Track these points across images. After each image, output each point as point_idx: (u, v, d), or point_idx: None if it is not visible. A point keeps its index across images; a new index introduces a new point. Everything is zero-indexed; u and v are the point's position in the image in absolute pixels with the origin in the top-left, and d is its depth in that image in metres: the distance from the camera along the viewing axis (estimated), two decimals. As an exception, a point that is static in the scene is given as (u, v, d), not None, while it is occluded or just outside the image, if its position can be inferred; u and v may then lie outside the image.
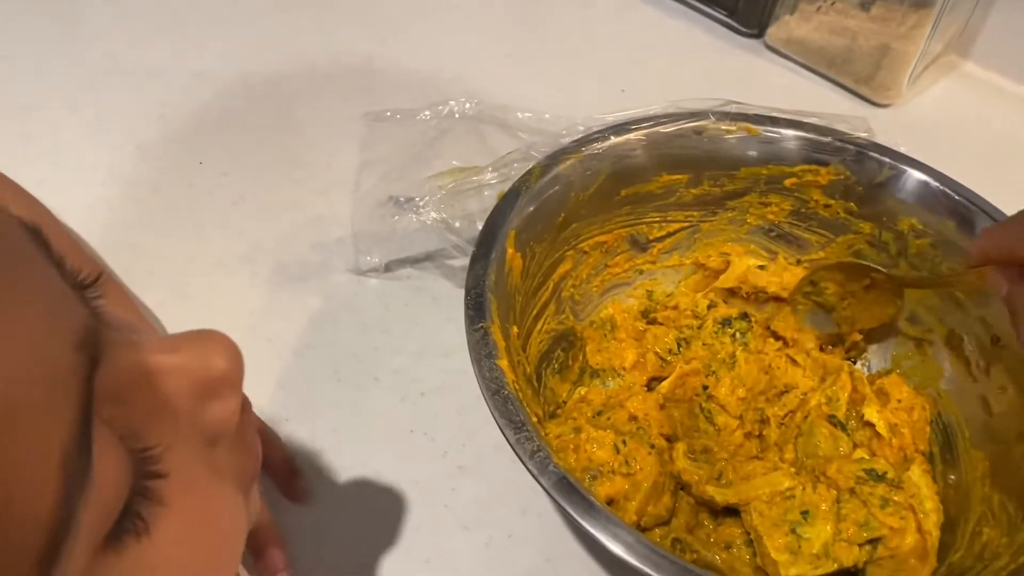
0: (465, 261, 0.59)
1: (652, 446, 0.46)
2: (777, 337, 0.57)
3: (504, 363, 0.41)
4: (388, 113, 0.71)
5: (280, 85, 0.78)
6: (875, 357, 0.58)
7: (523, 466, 0.38)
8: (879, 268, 0.53)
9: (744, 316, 0.56)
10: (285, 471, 0.51)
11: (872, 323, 0.55)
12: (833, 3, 0.80)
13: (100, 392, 0.20)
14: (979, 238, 0.43)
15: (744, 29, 0.87)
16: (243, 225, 0.66)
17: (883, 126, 0.77)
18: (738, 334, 0.55)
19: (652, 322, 0.58)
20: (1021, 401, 0.48)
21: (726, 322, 0.55)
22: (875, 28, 0.78)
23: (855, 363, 0.58)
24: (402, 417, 0.55)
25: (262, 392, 0.55)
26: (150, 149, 0.72)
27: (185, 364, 0.26)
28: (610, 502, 0.45)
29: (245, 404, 0.29)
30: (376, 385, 0.57)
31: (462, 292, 0.45)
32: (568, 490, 0.37)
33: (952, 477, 0.51)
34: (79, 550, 0.19)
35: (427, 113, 0.72)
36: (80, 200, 0.66)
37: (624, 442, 0.46)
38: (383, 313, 0.60)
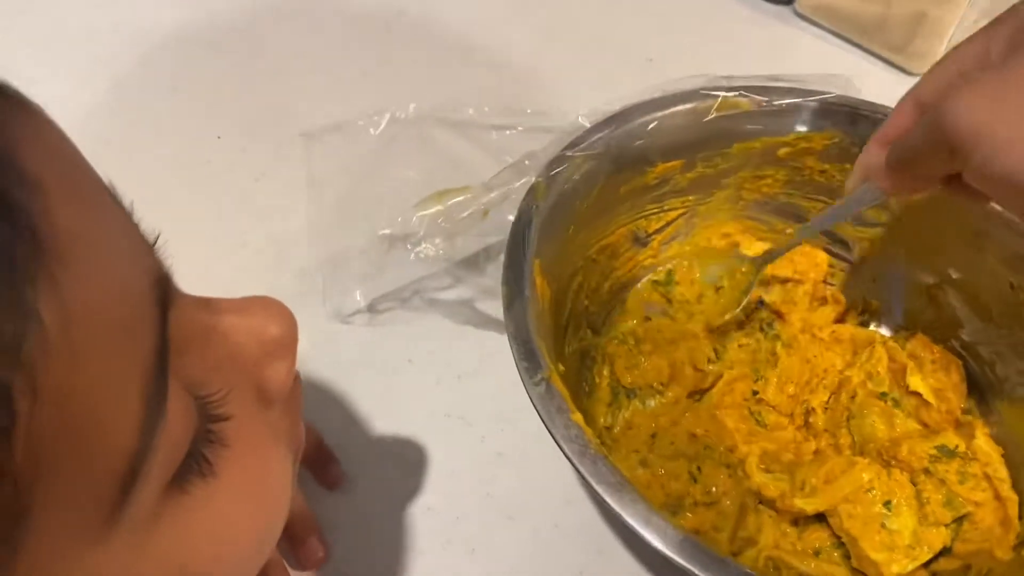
0: (457, 291, 0.56)
1: (727, 466, 0.44)
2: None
3: (579, 417, 0.37)
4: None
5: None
6: (885, 315, 0.57)
7: (628, 525, 0.35)
8: None
9: (769, 325, 0.53)
10: (320, 457, 0.48)
11: None
12: (866, -31, 0.78)
13: (171, 338, 0.21)
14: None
15: None
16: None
17: None
18: (766, 327, 0.52)
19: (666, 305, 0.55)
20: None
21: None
22: None
23: (869, 326, 0.57)
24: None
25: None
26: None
27: (251, 325, 0.28)
28: (696, 534, 0.42)
29: (296, 374, 0.30)
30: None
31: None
32: (697, 553, 0.34)
33: (994, 430, 0.50)
34: (152, 483, 0.21)
35: (368, 122, 0.66)
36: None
37: (699, 468, 0.43)
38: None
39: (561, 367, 0.43)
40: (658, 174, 0.53)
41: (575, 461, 0.36)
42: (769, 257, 0.53)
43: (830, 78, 0.56)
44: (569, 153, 0.49)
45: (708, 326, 0.52)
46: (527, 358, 0.39)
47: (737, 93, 0.53)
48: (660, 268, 0.57)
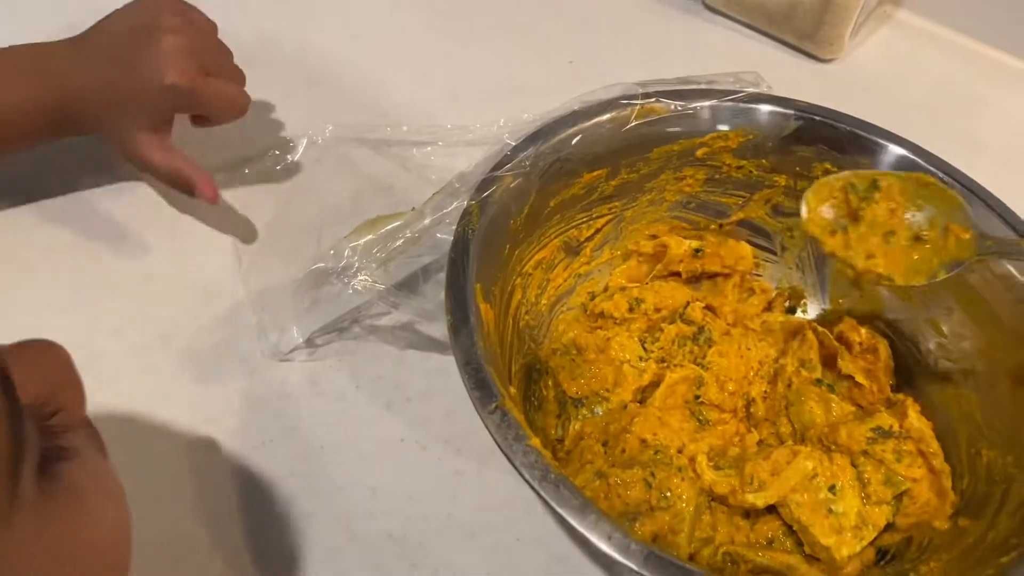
0: (396, 315, 0.56)
1: (679, 469, 0.45)
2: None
3: (536, 442, 0.38)
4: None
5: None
6: (811, 301, 0.59)
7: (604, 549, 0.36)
8: (971, 218, 0.47)
9: (699, 332, 0.54)
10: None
11: (888, 272, 0.48)
12: (772, -39, 0.79)
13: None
14: None
15: None
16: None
17: (829, 81, 0.79)
18: (701, 339, 0.53)
19: (599, 316, 0.56)
20: (969, 319, 0.51)
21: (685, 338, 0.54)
22: None
23: (795, 312, 0.59)
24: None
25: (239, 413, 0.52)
26: None
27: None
28: (654, 541, 0.43)
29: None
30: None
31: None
32: (664, 565, 0.35)
33: (921, 405, 0.53)
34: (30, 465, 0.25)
35: (287, 149, 0.65)
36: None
37: (652, 474, 0.44)
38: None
39: (512, 389, 0.44)
40: (584, 184, 0.54)
41: (537, 487, 0.37)
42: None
43: (741, 75, 0.58)
44: (498, 173, 0.49)
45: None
46: (479, 387, 0.40)
47: (654, 99, 0.54)
48: (593, 276, 0.58)
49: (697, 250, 0.58)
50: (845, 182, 0.48)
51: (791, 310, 0.59)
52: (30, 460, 0.25)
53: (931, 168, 0.52)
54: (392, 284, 0.52)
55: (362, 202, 0.63)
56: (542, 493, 0.37)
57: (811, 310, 0.59)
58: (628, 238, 0.58)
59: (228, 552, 0.46)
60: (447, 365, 0.41)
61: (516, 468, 0.37)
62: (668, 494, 0.44)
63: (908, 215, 0.47)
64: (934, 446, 0.47)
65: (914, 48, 0.85)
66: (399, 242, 0.49)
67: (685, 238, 0.59)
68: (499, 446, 0.38)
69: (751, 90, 0.55)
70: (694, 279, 0.59)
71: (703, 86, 0.56)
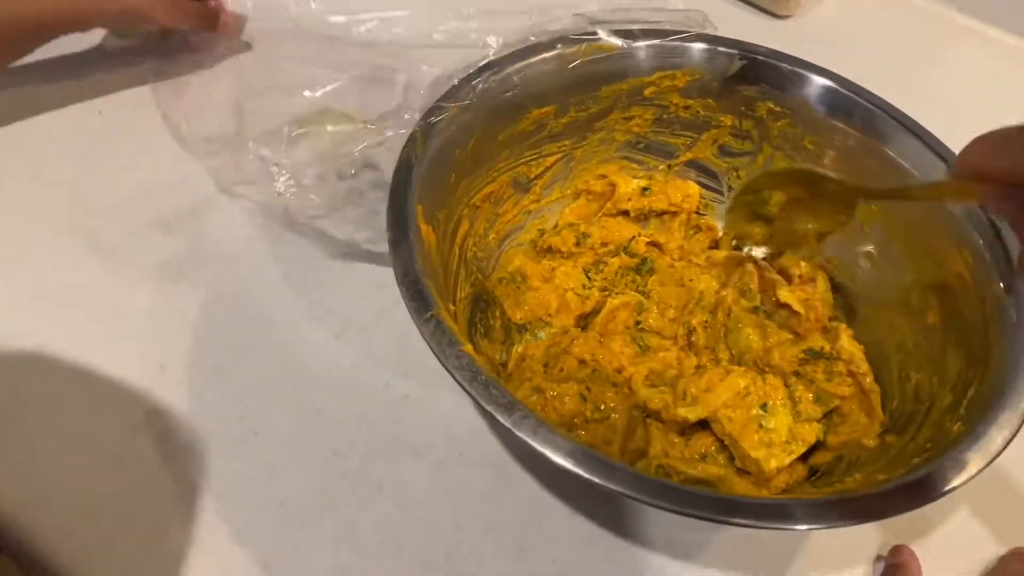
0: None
1: (614, 384, 0.46)
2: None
3: (469, 348, 0.39)
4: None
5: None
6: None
7: (524, 442, 0.37)
8: (831, 176, 0.51)
9: (642, 263, 0.56)
10: None
11: (814, 234, 0.52)
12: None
13: None
14: (968, 148, 0.39)
15: None
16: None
17: (787, 37, 0.79)
18: (644, 269, 0.55)
19: (547, 251, 0.57)
20: (902, 249, 0.53)
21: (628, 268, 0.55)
22: None
23: (741, 250, 0.60)
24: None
25: (190, 342, 0.53)
26: None
27: None
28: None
29: None
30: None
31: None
32: (587, 459, 0.36)
33: (858, 331, 0.54)
34: None
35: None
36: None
37: (588, 388, 0.46)
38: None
39: (452, 307, 0.45)
40: (533, 120, 0.55)
41: (467, 387, 0.38)
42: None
43: (689, 13, 0.59)
44: (444, 104, 0.50)
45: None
46: (416, 298, 0.41)
47: (602, 36, 0.55)
48: (543, 213, 0.59)
49: (645, 188, 0.59)
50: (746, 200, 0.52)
51: (737, 248, 0.60)
52: None
53: (860, 99, 0.53)
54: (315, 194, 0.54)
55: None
56: (472, 393, 0.38)
57: (757, 250, 0.60)
58: (578, 177, 0.60)
59: (174, 471, 0.47)
60: (398, 300, 0.42)
61: (449, 371, 0.39)
62: (602, 407, 0.45)
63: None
64: (864, 367, 0.49)
65: (871, 6, 0.87)
66: (341, 152, 0.50)
67: (635, 177, 0.60)
68: (433, 351, 0.39)
69: (696, 29, 0.56)
70: (642, 217, 0.60)
71: (649, 25, 0.57)
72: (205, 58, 0.66)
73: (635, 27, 0.57)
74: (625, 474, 0.36)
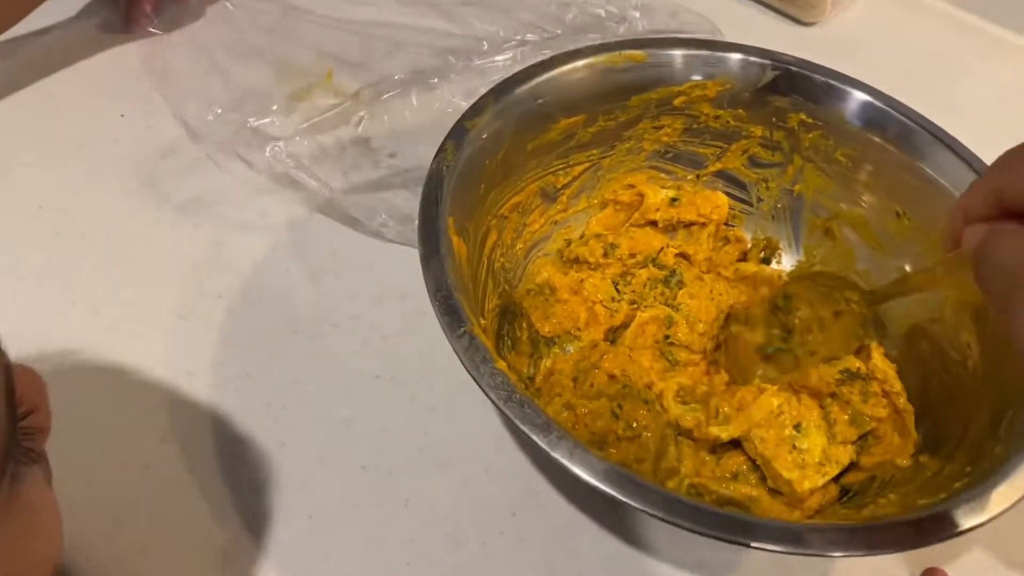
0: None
1: (645, 401, 0.46)
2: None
3: (503, 365, 0.39)
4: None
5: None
6: (786, 253, 0.60)
7: (558, 462, 0.36)
8: (858, 284, 0.49)
9: (671, 275, 0.55)
10: None
11: (831, 354, 0.49)
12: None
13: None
14: (948, 212, 0.36)
15: None
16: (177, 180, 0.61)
17: (811, 44, 0.79)
18: (672, 281, 0.54)
19: (573, 261, 0.57)
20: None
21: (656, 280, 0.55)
22: None
23: (770, 262, 0.60)
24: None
25: (216, 348, 0.53)
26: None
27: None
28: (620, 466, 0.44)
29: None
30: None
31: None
32: (621, 480, 0.35)
33: (891, 351, 0.54)
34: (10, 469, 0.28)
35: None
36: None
37: (620, 406, 0.45)
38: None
39: (483, 321, 0.45)
40: (562, 130, 0.54)
41: (501, 406, 0.38)
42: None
43: (698, 22, 0.58)
44: (476, 110, 0.50)
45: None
46: (448, 313, 0.41)
47: (632, 47, 0.55)
48: (569, 223, 0.58)
49: (673, 199, 0.58)
50: (767, 307, 0.50)
51: (766, 260, 0.60)
52: (11, 465, 0.28)
53: (896, 113, 0.52)
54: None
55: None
56: (507, 412, 0.37)
57: (786, 261, 0.60)
58: (605, 187, 0.59)
59: (202, 479, 0.47)
60: (424, 306, 0.42)
61: (482, 389, 0.38)
62: (634, 424, 0.45)
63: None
64: (898, 386, 0.48)
65: (898, 14, 0.86)
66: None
67: (662, 188, 0.59)
68: (466, 369, 0.39)
69: (711, 36, 0.56)
70: (670, 228, 0.59)
71: (670, 35, 0.57)
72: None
73: (665, 36, 0.56)
74: (661, 497, 0.36)
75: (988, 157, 0.66)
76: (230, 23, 0.64)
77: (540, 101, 0.53)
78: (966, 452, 0.43)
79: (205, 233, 0.58)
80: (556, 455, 0.36)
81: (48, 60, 0.67)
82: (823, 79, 0.55)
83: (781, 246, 0.60)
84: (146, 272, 0.56)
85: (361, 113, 0.54)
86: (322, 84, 0.58)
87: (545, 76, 0.53)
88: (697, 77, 0.56)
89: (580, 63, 0.54)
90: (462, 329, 0.40)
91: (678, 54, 0.56)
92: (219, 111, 0.56)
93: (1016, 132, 0.76)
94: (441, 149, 0.48)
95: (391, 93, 0.53)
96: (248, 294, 0.55)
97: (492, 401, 0.38)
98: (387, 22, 0.64)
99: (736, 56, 0.56)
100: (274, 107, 0.56)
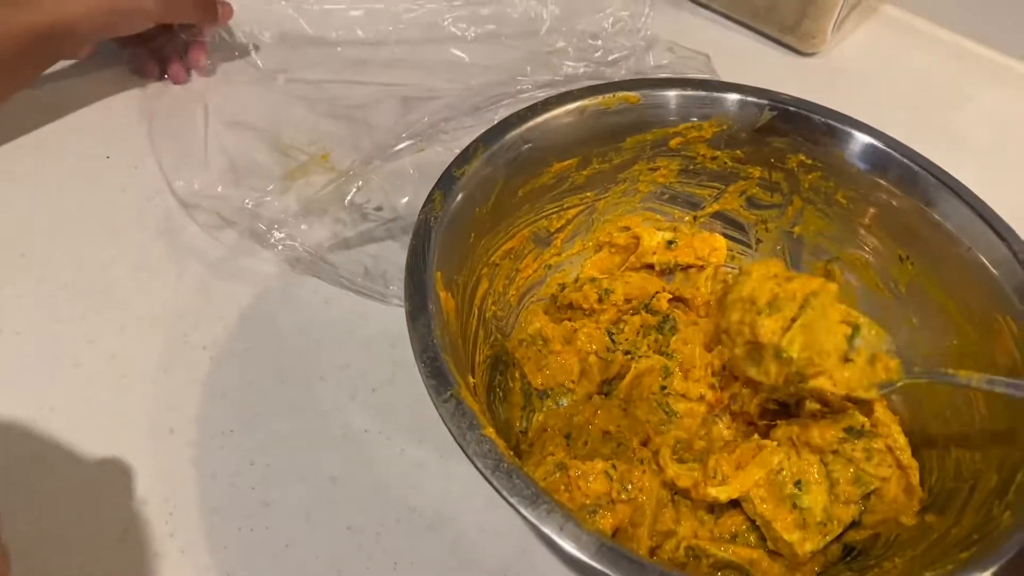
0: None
1: (641, 461, 0.44)
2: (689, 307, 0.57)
3: (490, 432, 0.37)
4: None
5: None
6: (786, 294, 0.58)
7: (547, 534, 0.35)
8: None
9: (664, 321, 0.54)
10: None
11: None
12: (755, -47, 0.79)
13: None
14: None
15: None
16: (163, 222, 0.60)
17: (812, 74, 0.78)
18: (665, 328, 0.53)
19: (567, 307, 0.55)
20: (944, 313, 0.50)
21: (650, 327, 0.54)
22: None
23: (770, 305, 0.58)
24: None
25: (200, 402, 0.51)
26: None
27: None
28: (615, 534, 0.42)
29: None
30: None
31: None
32: (614, 556, 0.34)
33: (893, 402, 0.52)
34: None
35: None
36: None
37: (614, 466, 0.43)
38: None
39: (472, 379, 0.43)
40: (554, 173, 0.53)
41: (489, 477, 0.36)
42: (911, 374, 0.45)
43: (693, 60, 0.57)
44: (466, 158, 0.48)
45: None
46: (434, 375, 0.39)
47: (626, 88, 0.53)
48: (563, 267, 0.57)
49: (670, 242, 0.57)
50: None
51: (766, 303, 0.58)
52: None
53: (899, 155, 0.51)
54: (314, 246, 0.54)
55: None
56: (494, 483, 0.36)
57: (785, 302, 0.58)
58: (600, 229, 0.58)
59: (183, 544, 0.45)
60: (413, 356, 0.41)
61: (469, 457, 0.37)
62: (629, 487, 0.43)
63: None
64: (901, 441, 0.47)
65: (898, 43, 0.85)
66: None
67: (659, 230, 0.58)
68: (452, 436, 0.37)
69: (699, 76, 0.55)
70: (668, 271, 0.58)
71: (659, 71, 0.55)
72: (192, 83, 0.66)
73: (660, 77, 0.55)
74: (657, 573, 0.34)
75: (991, 185, 0.65)
76: (232, 92, 0.64)
77: (531, 145, 0.51)
78: (973, 514, 0.42)
79: (191, 282, 0.56)
80: (546, 529, 0.35)
81: (37, 104, 0.66)
82: (822, 119, 0.54)
83: (780, 288, 0.58)
84: (130, 322, 0.54)
85: (357, 184, 0.53)
86: (317, 162, 0.57)
87: (536, 120, 0.51)
88: (693, 118, 0.55)
89: (572, 106, 0.52)
90: (448, 392, 0.38)
91: (673, 95, 0.54)
92: (218, 188, 0.55)
93: (1019, 160, 0.75)
94: (429, 199, 0.46)
95: (384, 159, 0.52)
96: (234, 345, 0.54)
97: (479, 471, 0.36)
98: (383, 86, 0.63)
99: (733, 96, 0.54)
100: (270, 187, 0.55)
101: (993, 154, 0.74)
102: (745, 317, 0.45)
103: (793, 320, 0.44)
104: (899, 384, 0.44)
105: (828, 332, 0.44)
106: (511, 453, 0.38)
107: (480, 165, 0.49)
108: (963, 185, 0.51)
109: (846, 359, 0.44)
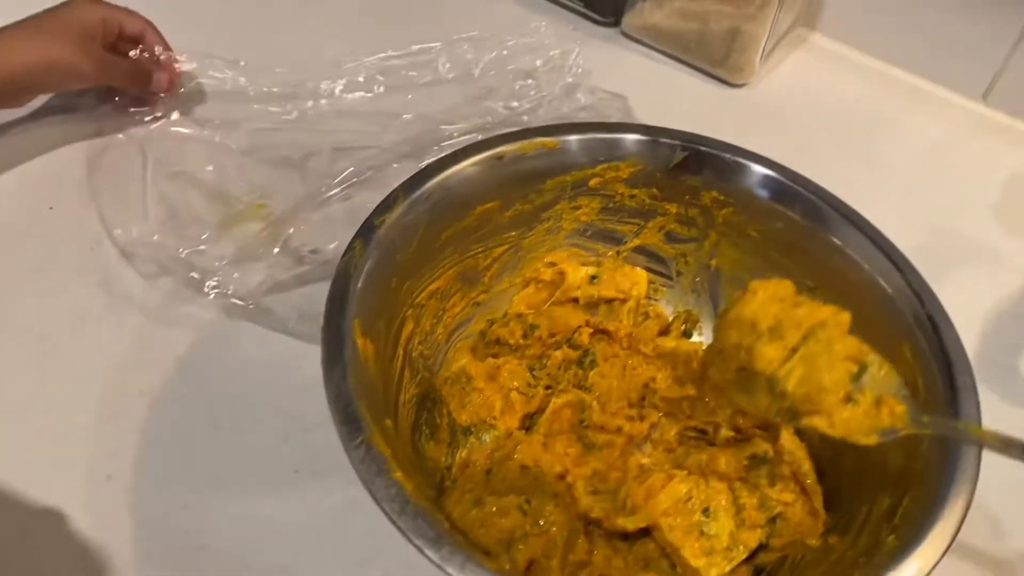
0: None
1: (555, 495, 0.46)
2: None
3: (399, 475, 0.39)
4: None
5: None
6: (706, 324, 0.61)
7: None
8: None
9: (584, 355, 0.56)
10: None
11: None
12: (683, -12, 0.81)
13: None
14: None
15: (601, 19, 0.88)
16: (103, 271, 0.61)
17: (742, 106, 0.82)
18: (586, 362, 0.55)
19: (495, 343, 0.57)
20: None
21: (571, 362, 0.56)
22: (726, 11, 0.80)
23: (691, 336, 0.61)
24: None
25: (137, 449, 0.53)
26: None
27: None
28: (529, 566, 0.44)
29: None
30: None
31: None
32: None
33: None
34: None
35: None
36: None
37: (528, 501, 0.46)
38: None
39: (389, 421, 0.45)
40: (477, 216, 0.55)
41: (395, 518, 0.38)
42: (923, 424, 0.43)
43: (612, 101, 0.60)
44: (387, 207, 0.50)
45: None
46: (346, 422, 0.41)
47: (543, 134, 0.56)
48: (492, 304, 0.59)
49: (593, 277, 0.59)
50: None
51: (687, 334, 0.61)
52: None
53: (803, 189, 0.54)
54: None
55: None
56: (399, 525, 0.38)
57: (707, 333, 0.61)
58: (527, 266, 0.60)
59: (119, 590, 0.47)
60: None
61: (376, 501, 0.39)
62: (542, 521, 0.45)
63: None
64: (806, 466, 0.49)
65: (827, 71, 0.88)
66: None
67: (584, 264, 0.60)
68: (361, 480, 0.39)
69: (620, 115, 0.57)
70: (593, 305, 0.60)
71: (579, 111, 0.58)
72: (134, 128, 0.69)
73: (574, 122, 0.58)
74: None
75: (913, 209, 0.67)
76: (173, 143, 0.67)
77: (453, 191, 0.53)
78: (867, 536, 0.44)
79: (129, 330, 0.58)
80: (449, 569, 0.37)
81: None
82: (731, 157, 0.56)
83: (702, 319, 0.61)
84: (70, 371, 0.56)
85: (289, 230, 0.56)
86: (252, 210, 0.59)
87: (455, 167, 0.54)
88: (610, 160, 0.57)
89: (490, 152, 0.55)
90: (359, 439, 0.40)
91: (589, 138, 0.57)
92: (155, 237, 0.58)
93: (938, 183, 0.78)
94: (349, 248, 0.48)
95: (315, 206, 0.55)
96: (171, 391, 0.56)
97: (386, 513, 0.38)
98: (318, 135, 0.66)
99: (646, 138, 0.57)
100: (204, 235, 0.58)
101: (912, 176, 0.77)
102: (744, 340, 0.42)
103: (794, 350, 0.41)
104: (903, 433, 0.42)
105: (831, 367, 0.41)
106: (420, 495, 0.40)
107: (401, 213, 0.51)
108: (863, 217, 0.53)
109: (848, 399, 0.42)
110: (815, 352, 0.41)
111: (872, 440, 0.42)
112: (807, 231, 0.55)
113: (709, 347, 0.48)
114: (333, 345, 0.44)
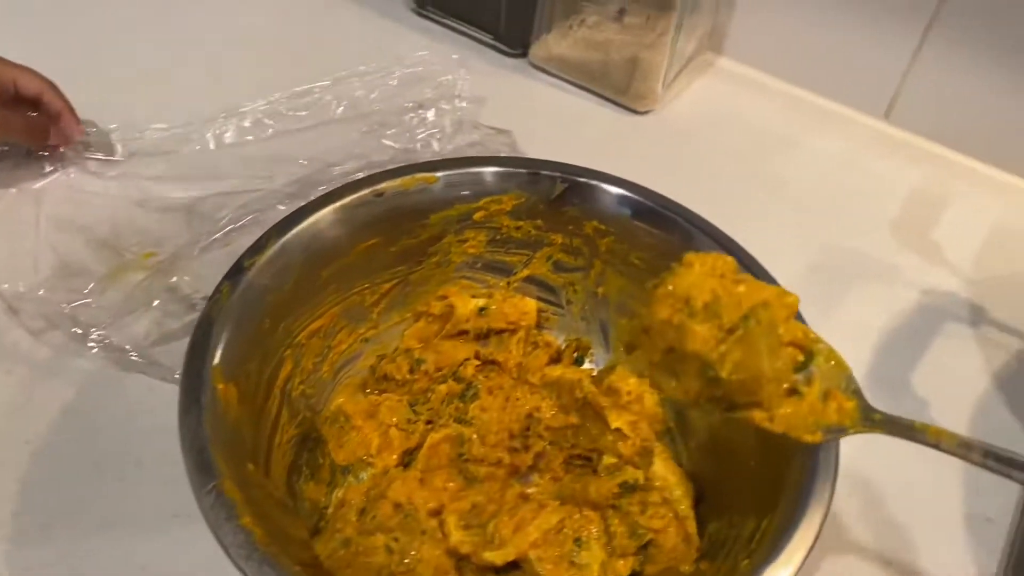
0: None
1: (423, 532, 0.46)
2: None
3: (247, 520, 0.39)
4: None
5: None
6: (597, 351, 0.61)
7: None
8: None
9: (467, 388, 0.56)
10: None
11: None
12: (583, 20, 0.83)
13: None
14: None
15: (509, 50, 0.89)
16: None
17: (647, 132, 0.83)
18: (468, 395, 0.56)
19: (383, 379, 0.58)
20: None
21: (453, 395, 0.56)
22: (626, 40, 0.81)
23: (583, 363, 0.61)
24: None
25: (18, 497, 0.52)
26: None
27: None
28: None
29: None
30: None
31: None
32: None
33: (692, 443, 0.55)
34: None
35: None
36: None
37: (396, 539, 0.46)
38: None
39: (251, 467, 0.45)
40: (360, 253, 0.55)
41: (241, 564, 0.38)
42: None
43: (495, 136, 0.61)
44: (255, 251, 0.51)
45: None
46: (199, 470, 0.41)
47: (424, 171, 0.56)
48: (382, 339, 0.59)
49: (482, 308, 0.60)
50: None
51: (579, 361, 0.61)
52: None
53: (679, 218, 0.54)
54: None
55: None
56: (245, 571, 0.38)
57: (599, 359, 0.61)
58: (418, 300, 0.60)
59: (-11, 643, 0.47)
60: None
61: (223, 547, 0.39)
62: (408, 559, 0.45)
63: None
64: (678, 493, 0.49)
65: (733, 94, 0.89)
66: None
67: (474, 296, 0.61)
68: (209, 526, 0.39)
69: (507, 151, 0.58)
70: (483, 336, 0.60)
71: (472, 154, 0.58)
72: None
73: (456, 157, 0.58)
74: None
75: (812, 228, 0.68)
76: (65, 195, 0.67)
77: (330, 230, 0.54)
78: (730, 561, 0.44)
79: (15, 382, 0.58)
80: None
81: None
82: (608, 187, 0.57)
83: (593, 346, 0.61)
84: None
85: (172, 278, 0.56)
86: (139, 260, 0.60)
87: (333, 205, 0.54)
88: (492, 193, 0.58)
89: (368, 190, 0.55)
90: (211, 485, 0.40)
91: (472, 172, 0.57)
92: (40, 292, 0.59)
93: (838, 201, 0.79)
94: (216, 291, 0.49)
95: (200, 251, 0.55)
96: (56, 438, 0.55)
97: (231, 560, 0.38)
98: (209, 182, 0.67)
99: (526, 171, 0.57)
100: (89, 288, 0.58)
101: (812, 196, 0.79)
102: (675, 317, 0.39)
103: (731, 331, 0.38)
104: (852, 433, 0.39)
105: (773, 354, 0.37)
106: (271, 540, 0.40)
107: (274, 254, 0.51)
108: (728, 236, 0.54)
109: (792, 391, 0.38)
110: (755, 335, 0.37)
111: (817, 438, 0.39)
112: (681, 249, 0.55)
113: (633, 325, 0.43)
114: (190, 391, 0.44)
